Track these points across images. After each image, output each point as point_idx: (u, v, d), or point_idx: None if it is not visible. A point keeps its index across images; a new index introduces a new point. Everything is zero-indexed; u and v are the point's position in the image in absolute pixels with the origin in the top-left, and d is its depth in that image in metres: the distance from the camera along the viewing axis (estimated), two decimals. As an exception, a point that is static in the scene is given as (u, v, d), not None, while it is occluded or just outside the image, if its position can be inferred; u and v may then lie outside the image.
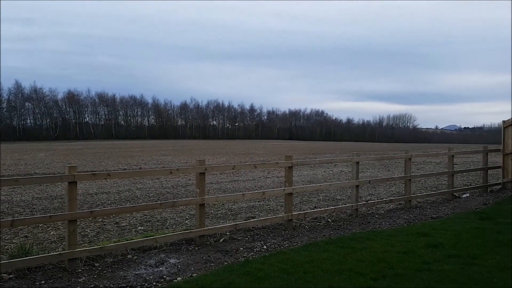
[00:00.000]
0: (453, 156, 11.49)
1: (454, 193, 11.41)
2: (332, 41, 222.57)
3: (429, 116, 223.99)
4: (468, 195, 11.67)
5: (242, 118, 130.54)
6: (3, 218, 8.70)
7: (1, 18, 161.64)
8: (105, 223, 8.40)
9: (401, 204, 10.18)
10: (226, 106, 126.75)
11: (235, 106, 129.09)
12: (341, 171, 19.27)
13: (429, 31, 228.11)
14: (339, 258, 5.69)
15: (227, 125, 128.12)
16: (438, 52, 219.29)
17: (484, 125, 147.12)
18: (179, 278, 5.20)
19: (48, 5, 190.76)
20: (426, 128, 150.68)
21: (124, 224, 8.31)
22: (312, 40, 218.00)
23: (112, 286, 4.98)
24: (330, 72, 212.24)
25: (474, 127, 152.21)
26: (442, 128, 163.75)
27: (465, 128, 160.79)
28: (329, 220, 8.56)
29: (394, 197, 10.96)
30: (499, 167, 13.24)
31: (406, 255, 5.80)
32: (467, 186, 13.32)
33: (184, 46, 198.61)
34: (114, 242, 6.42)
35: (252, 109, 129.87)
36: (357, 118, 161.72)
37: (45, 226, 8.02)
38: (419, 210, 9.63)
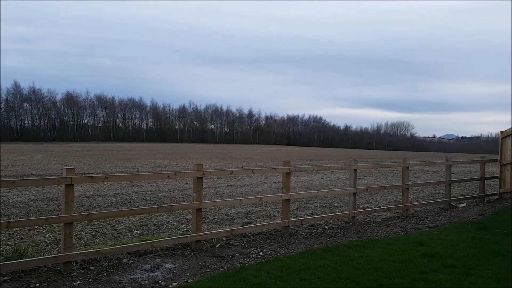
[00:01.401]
0: (450, 165, 11.50)
1: (451, 203, 11.41)
2: (331, 47, 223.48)
3: (426, 124, 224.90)
4: (465, 204, 11.68)
5: (241, 122, 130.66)
6: (-2, 219, 8.66)
7: (1, 19, 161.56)
8: (101, 226, 8.37)
9: (398, 212, 10.18)
10: (224, 110, 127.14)
11: (234, 110, 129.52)
12: (338, 178, 19.27)
13: (428, 40, 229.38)
14: (335, 266, 5.68)
15: (225, 129, 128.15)
16: (436, 60, 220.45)
17: (481, 134, 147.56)
18: (174, 284, 5.17)
19: (47, 6, 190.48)
20: (424, 137, 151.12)
21: (120, 227, 8.27)
22: (311, 46, 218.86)
23: (107, 290, 4.94)
24: (329, 78, 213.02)
25: (471, 137, 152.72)
26: (439, 137, 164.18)
27: (462, 137, 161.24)
28: (326, 227, 8.54)
29: (391, 205, 10.95)
30: (496, 177, 13.26)
31: (403, 264, 5.79)
32: (464, 195, 13.33)
33: (184, 49, 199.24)
34: (110, 245, 6.39)
35: (250, 114, 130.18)
36: (355, 125, 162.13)
37: (41, 228, 7.97)
38: (416, 219, 9.63)
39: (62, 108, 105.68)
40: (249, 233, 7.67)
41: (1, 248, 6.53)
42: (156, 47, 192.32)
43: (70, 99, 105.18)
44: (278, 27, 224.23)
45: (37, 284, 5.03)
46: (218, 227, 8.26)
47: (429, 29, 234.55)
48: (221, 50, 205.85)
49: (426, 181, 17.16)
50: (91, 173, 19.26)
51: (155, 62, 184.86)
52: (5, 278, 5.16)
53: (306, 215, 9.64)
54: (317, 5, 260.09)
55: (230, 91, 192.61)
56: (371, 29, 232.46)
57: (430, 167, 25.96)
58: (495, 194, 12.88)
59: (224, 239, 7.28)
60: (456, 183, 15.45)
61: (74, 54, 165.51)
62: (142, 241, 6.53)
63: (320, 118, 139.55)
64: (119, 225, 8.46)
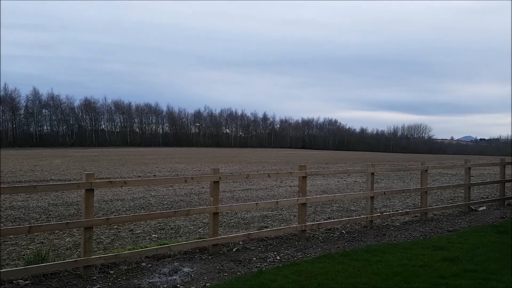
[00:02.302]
0: (469, 168, 11.32)
1: (471, 206, 11.23)
2: (345, 49, 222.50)
3: (444, 126, 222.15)
4: (484, 208, 11.48)
5: (255, 126, 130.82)
6: (20, 225, 8.83)
7: (16, 25, 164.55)
8: (119, 230, 8.46)
9: (416, 216, 10.05)
10: (239, 114, 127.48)
11: (248, 114, 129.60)
12: (354, 181, 19.12)
13: (444, 40, 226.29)
14: (354, 271, 5.64)
15: (240, 133, 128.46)
16: (453, 61, 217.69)
17: (500, 136, 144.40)
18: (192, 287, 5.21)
19: (61, 12, 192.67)
20: (442, 139, 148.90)
21: (139, 231, 8.36)
22: (324, 48, 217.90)
23: (126, 294, 5.00)
24: (343, 80, 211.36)
25: (490, 139, 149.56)
26: (457, 139, 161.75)
27: (481, 139, 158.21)
28: (343, 231, 8.49)
29: (409, 209, 10.83)
30: (517, 180, 13.00)
31: (422, 269, 5.72)
32: (484, 199, 13.09)
33: (199, 54, 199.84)
34: (129, 249, 6.46)
35: (265, 118, 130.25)
36: (371, 128, 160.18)
37: (61, 232, 8.10)
38: (435, 223, 9.50)
39: (80, 114, 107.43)
40: (265, 237, 7.67)
41: (23, 253, 6.66)
42: (170, 52, 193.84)
43: (88, 105, 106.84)
44: (292, 30, 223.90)
45: (58, 288, 5.12)
46: (235, 231, 8.28)
47: (445, 29, 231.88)
48: (236, 54, 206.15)
49: (445, 184, 16.91)
50: (110, 178, 19.51)
51: (170, 67, 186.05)
52: (27, 282, 5.26)
53: (322, 219, 9.60)
54: (329, 5, 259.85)
55: (244, 95, 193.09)
56: (385, 30, 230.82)
57: (449, 170, 25.57)
58: (516, 197, 12.62)
59: (241, 243, 7.29)
60: (475, 186, 15.17)
61: (87, 59, 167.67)
62: (160, 245, 6.59)
63: (335, 121, 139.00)
64: (138, 229, 8.55)
